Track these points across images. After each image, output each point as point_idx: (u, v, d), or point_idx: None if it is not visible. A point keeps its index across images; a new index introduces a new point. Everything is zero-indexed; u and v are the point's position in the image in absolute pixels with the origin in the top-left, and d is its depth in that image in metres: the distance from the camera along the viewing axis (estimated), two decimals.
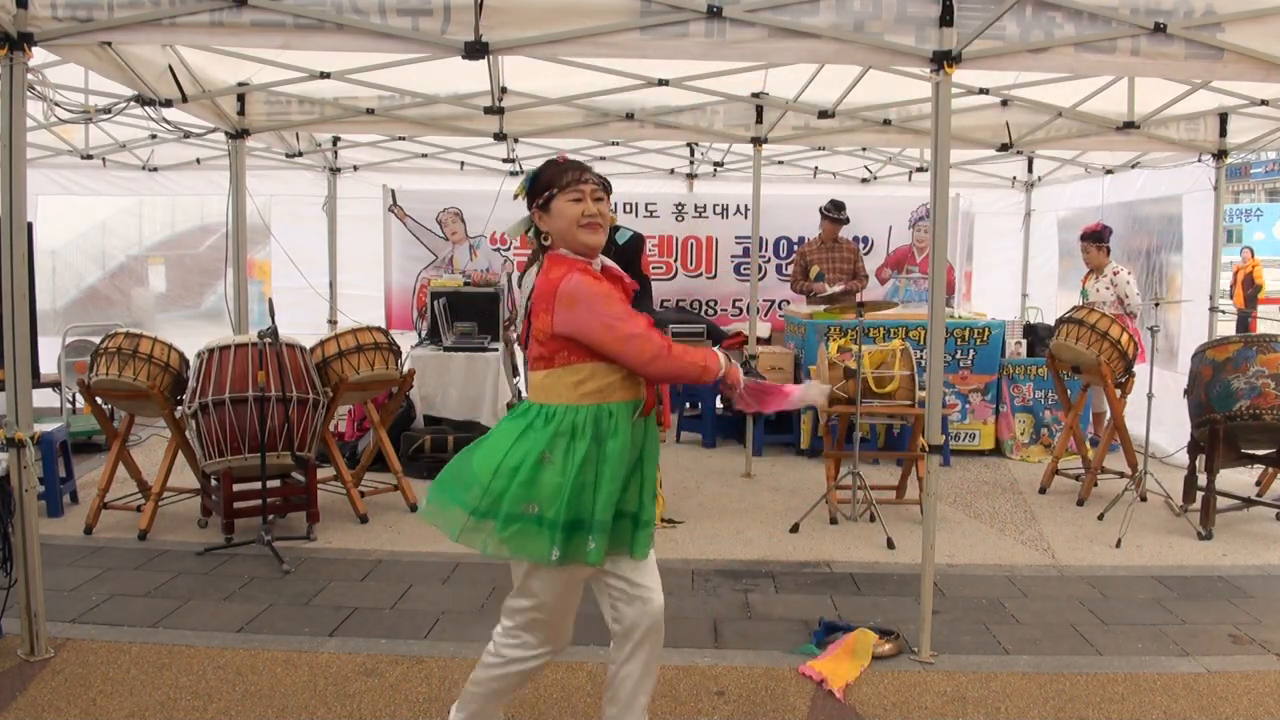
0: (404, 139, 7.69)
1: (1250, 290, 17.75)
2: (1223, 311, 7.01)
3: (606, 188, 2.66)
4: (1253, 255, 18.67)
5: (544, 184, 2.61)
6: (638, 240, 5.59)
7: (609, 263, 2.70)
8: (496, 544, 2.51)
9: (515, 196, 2.73)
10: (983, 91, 5.74)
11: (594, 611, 4.05)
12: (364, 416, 6.57)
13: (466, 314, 7.11)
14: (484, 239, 8.70)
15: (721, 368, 2.62)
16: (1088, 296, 6.85)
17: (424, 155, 8.18)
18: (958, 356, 7.26)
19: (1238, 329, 15.77)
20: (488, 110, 5.62)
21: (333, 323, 8.31)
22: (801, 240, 8.49)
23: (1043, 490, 6.25)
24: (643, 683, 2.70)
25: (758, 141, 6.15)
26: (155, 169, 8.04)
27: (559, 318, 2.49)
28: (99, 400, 5.21)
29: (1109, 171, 7.84)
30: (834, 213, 7.78)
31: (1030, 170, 8.91)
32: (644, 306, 5.56)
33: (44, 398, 7.04)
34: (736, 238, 8.80)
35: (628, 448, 2.54)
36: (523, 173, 8.33)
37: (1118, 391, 5.85)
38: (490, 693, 2.71)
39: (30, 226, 5.71)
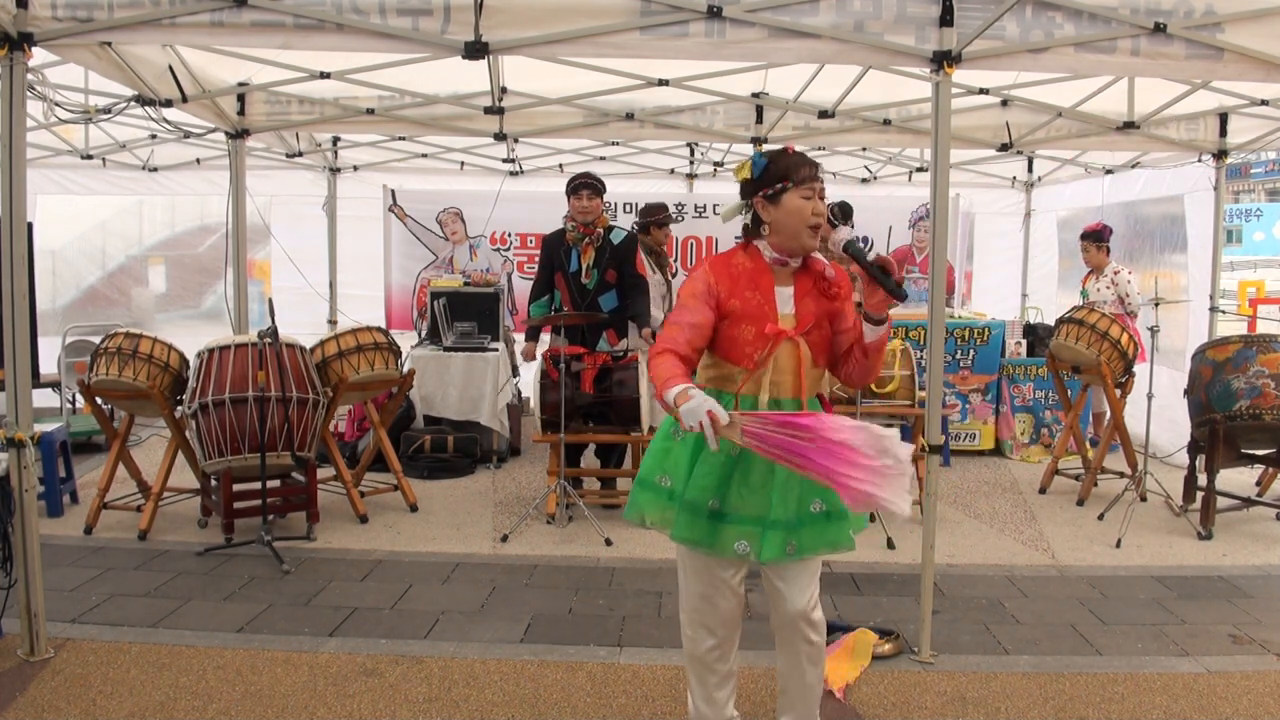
0: (404, 139, 7.69)
1: None
2: (1223, 312, 6.97)
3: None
4: None
5: (778, 174, 2.53)
6: (632, 240, 5.59)
7: (820, 258, 2.67)
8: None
9: (740, 179, 2.63)
10: (983, 91, 5.73)
11: (589, 611, 4.09)
12: (364, 416, 6.57)
13: (466, 314, 7.10)
14: (484, 239, 8.69)
15: (670, 396, 2.27)
16: (1088, 296, 6.85)
17: (424, 155, 8.17)
18: (958, 356, 7.26)
19: None
20: (488, 110, 5.62)
21: (333, 323, 8.32)
22: None
23: (1043, 490, 6.25)
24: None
25: (758, 141, 6.13)
26: (155, 169, 8.04)
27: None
28: (99, 400, 5.21)
29: (1109, 171, 7.83)
30: (839, 218, 7.76)
31: (1030, 170, 8.90)
32: (639, 305, 5.59)
33: (44, 398, 7.04)
34: (736, 238, 8.75)
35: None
36: (521, 172, 8.54)
37: (1117, 391, 5.86)
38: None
39: (30, 226, 5.71)
